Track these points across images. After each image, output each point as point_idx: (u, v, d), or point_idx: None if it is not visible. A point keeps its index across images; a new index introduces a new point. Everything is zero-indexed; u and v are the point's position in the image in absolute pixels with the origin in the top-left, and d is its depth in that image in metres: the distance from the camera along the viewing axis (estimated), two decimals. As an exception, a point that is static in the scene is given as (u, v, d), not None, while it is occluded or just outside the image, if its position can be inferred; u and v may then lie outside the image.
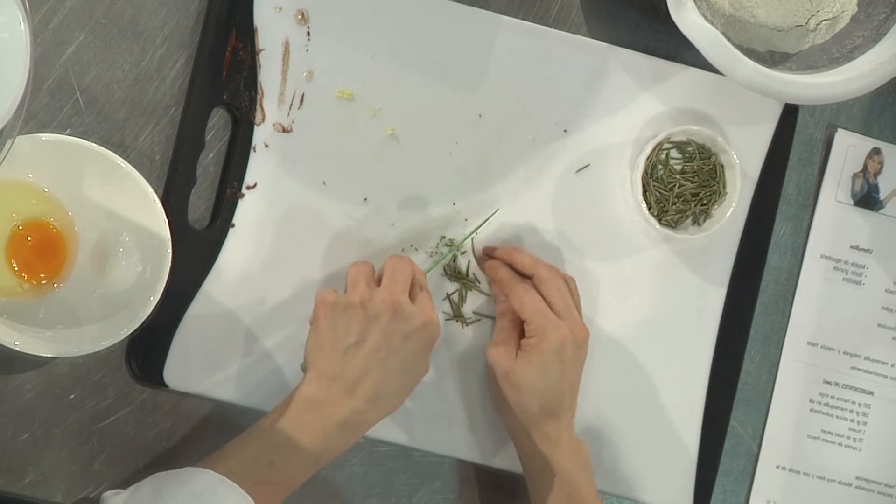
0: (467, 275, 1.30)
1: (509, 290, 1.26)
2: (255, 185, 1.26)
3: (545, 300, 1.25)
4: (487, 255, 1.30)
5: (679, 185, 1.31)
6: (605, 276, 1.32)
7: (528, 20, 1.31)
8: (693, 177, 1.32)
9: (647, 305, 1.33)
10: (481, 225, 1.29)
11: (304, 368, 1.22)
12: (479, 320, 1.30)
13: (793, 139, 1.36)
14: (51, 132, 1.21)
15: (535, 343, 1.24)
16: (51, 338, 1.19)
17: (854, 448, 1.38)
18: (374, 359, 1.19)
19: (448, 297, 1.30)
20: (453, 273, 1.30)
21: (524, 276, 1.28)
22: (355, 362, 1.19)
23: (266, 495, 1.14)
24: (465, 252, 1.30)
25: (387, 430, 1.26)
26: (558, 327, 1.24)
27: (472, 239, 1.30)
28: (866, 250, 1.38)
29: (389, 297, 1.19)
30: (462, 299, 1.30)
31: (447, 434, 1.29)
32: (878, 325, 1.39)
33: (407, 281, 1.21)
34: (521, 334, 1.27)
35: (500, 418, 1.28)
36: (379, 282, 1.22)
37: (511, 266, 1.28)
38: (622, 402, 1.33)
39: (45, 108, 1.22)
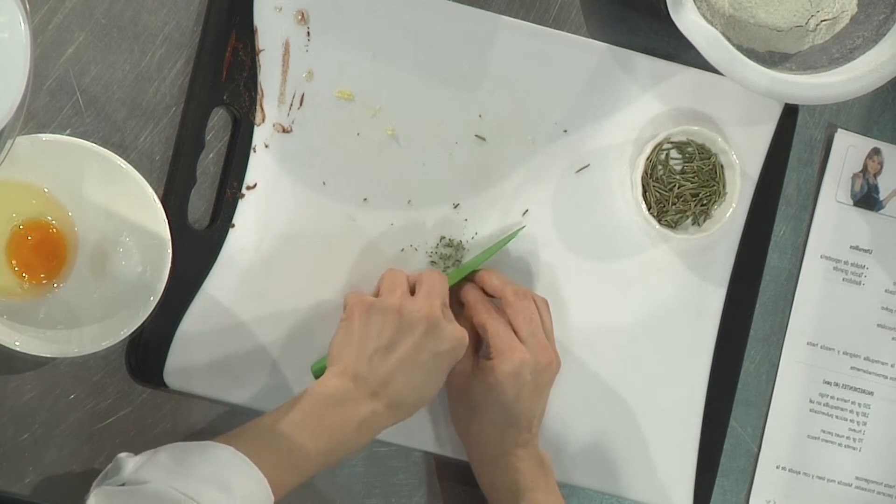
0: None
1: (474, 312, 1.26)
2: (255, 185, 1.26)
3: (510, 323, 1.25)
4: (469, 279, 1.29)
5: (679, 185, 1.31)
6: (605, 277, 1.32)
7: (528, 20, 1.31)
8: (693, 177, 1.32)
9: (647, 305, 1.33)
10: (505, 242, 1.29)
11: (316, 369, 1.22)
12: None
13: (793, 139, 1.36)
14: (51, 132, 1.21)
15: (491, 365, 1.24)
16: (51, 338, 1.19)
17: (854, 448, 1.38)
18: (401, 367, 1.19)
19: None
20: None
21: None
22: (383, 366, 1.19)
23: (280, 482, 1.14)
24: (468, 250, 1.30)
25: (387, 430, 1.25)
26: (515, 351, 1.23)
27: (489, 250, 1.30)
28: (866, 250, 1.38)
29: (427, 310, 1.20)
30: None
31: (447, 434, 1.29)
32: (878, 325, 1.39)
33: (444, 297, 1.22)
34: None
35: (458, 436, 1.28)
36: (411, 292, 1.22)
37: (482, 288, 1.28)
38: (622, 401, 1.32)
39: (45, 108, 1.22)
